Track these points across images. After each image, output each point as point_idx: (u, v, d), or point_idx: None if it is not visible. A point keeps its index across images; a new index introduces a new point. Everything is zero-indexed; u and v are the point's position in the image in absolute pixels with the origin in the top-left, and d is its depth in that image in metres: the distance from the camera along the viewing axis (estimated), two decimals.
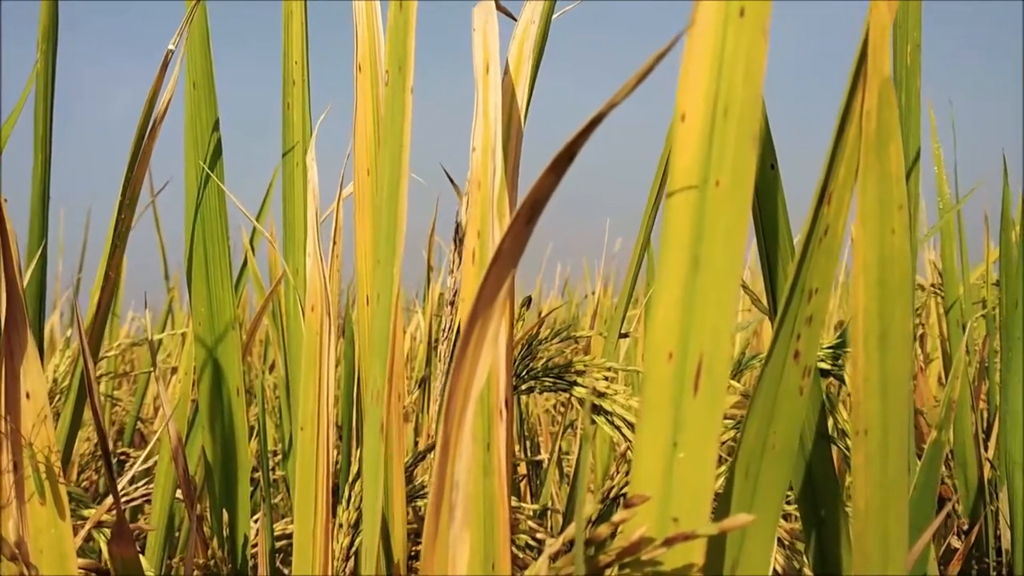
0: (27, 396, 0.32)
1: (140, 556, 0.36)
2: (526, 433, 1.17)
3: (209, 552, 0.51)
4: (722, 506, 0.30)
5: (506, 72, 0.41)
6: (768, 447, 0.30)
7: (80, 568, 0.34)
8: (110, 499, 0.36)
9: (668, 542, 0.24)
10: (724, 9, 0.25)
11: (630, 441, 0.47)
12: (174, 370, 1.16)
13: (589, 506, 0.43)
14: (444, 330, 0.64)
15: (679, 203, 0.25)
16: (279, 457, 0.99)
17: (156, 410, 1.38)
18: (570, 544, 0.28)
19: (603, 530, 0.25)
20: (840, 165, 0.29)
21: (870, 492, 0.29)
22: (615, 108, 0.23)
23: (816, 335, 0.30)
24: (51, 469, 0.32)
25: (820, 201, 0.29)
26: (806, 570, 0.47)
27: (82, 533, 0.37)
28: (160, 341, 1.22)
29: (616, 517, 0.25)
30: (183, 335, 1.22)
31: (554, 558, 0.27)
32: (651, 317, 0.26)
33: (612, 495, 0.47)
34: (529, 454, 1.12)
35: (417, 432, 0.98)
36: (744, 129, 0.25)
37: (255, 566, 0.61)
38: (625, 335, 0.53)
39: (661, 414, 0.26)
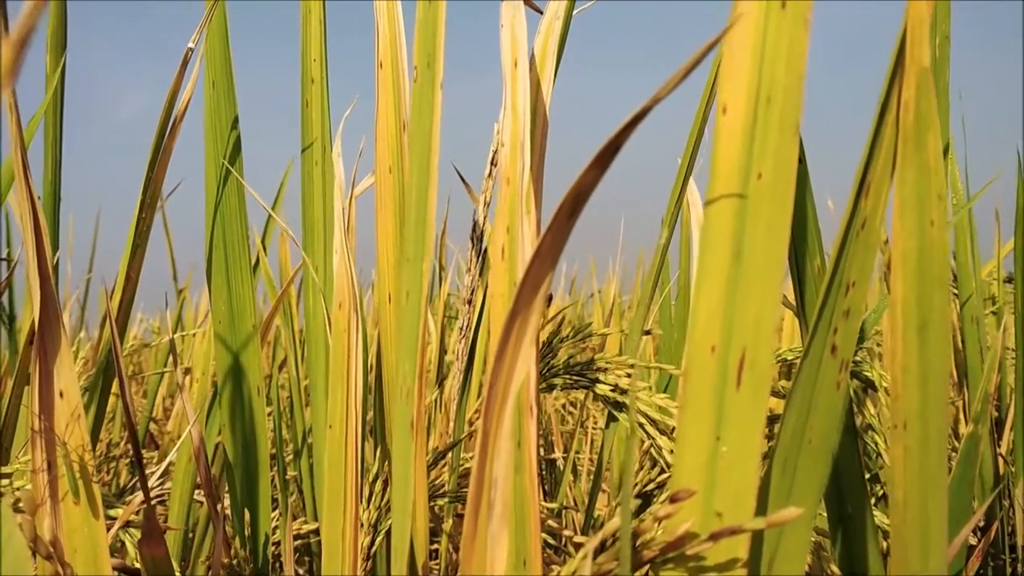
0: (60, 395, 0.32)
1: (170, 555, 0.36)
2: (539, 431, 1.17)
3: (232, 551, 0.51)
4: (759, 501, 0.30)
5: (531, 67, 0.41)
6: (805, 442, 0.30)
7: (112, 567, 0.34)
8: (138, 498, 0.36)
9: (714, 537, 0.24)
10: (766, 1, 0.25)
11: (653, 439, 0.46)
12: (187, 371, 1.16)
13: (631, 501, 0.43)
14: (461, 328, 0.64)
15: (721, 195, 0.25)
16: (290, 457, 0.99)
17: (166, 411, 1.38)
18: (606, 540, 0.28)
19: (647, 525, 0.25)
20: (879, 156, 0.29)
21: (909, 485, 0.29)
22: (659, 102, 0.23)
23: (854, 329, 0.30)
24: (84, 468, 0.32)
25: (859, 193, 0.29)
26: (832, 567, 0.46)
27: (112, 532, 0.37)
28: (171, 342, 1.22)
29: (661, 512, 0.25)
30: (194, 335, 1.22)
31: (595, 554, 0.27)
32: (694, 310, 0.26)
33: (636, 492, 0.47)
34: (542, 452, 1.12)
35: (429, 431, 0.98)
36: (786, 120, 0.25)
37: (275, 565, 0.60)
38: (648, 332, 0.53)
39: (704, 408, 0.26)
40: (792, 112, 0.25)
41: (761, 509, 0.29)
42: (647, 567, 0.27)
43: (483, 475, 0.26)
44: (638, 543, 0.26)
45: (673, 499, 0.25)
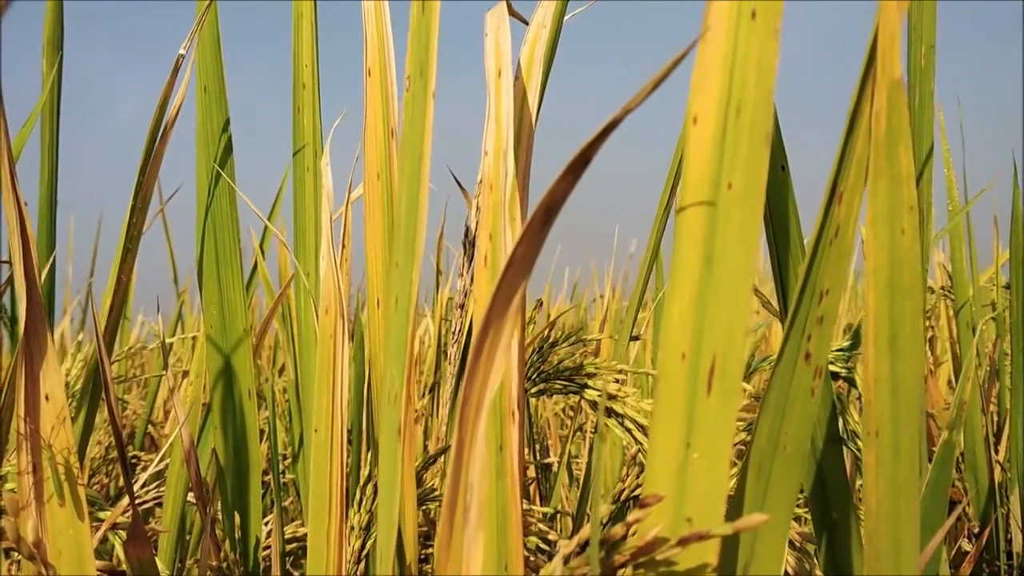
0: (46, 398, 0.32)
1: (155, 557, 0.36)
2: (535, 436, 1.17)
3: (222, 554, 0.51)
4: (734, 507, 0.30)
5: (517, 76, 0.41)
6: (780, 448, 0.30)
7: (97, 570, 0.34)
8: (125, 501, 0.37)
9: (682, 542, 0.25)
10: (736, 11, 0.25)
11: (641, 444, 0.47)
12: (185, 373, 1.16)
13: (603, 507, 0.43)
14: (454, 333, 0.64)
15: (692, 205, 0.25)
16: (288, 460, 0.99)
17: (166, 414, 1.38)
18: (584, 545, 0.29)
19: (617, 530, 0.26)
20: (850, 166, 0.29)
21: (881, 492, 0.30)
22: (630, 113, 0.23)
23: (827, 336, 0.30)
24: (70, 471, 0.32)
25: (830, 202, 0.29)
26: (817, 572, 0.47)
27: (99, 535, 0.38)
28: (171, 345, 1.23)
29: (630, 517, 0.25)
30: (193, 339, 1.22)
31: (568, 559, 0.27)
32: (665, 318, 0.26)
33: (623, 497, 0.47)
34: (538, 457, 1.12)
35: (426, 436, 0.98)
36: (756, 130, 0.25)
37: (267, 568, 0.61)
38: (636, 338, 0.53)
39: (675, 414, 0.26)
40: (762, 122, 0.25)
41: (736, 515, 0.30)
42: (624, 570, 0.27)
43: (458, 479, 0.27)
44: (610, 548, 0.26)
45: (642, 504, 0.25)
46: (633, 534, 0.27)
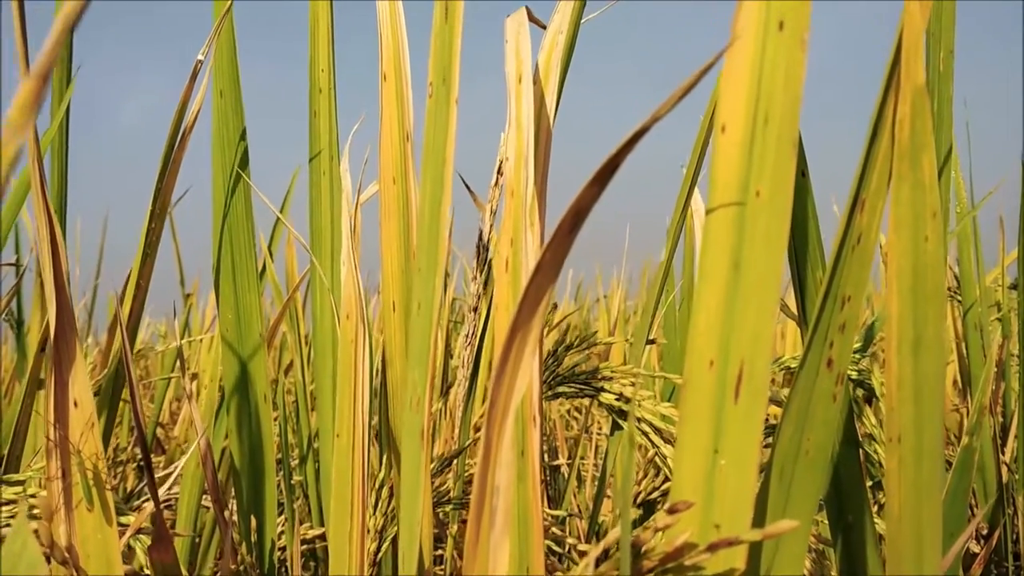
0: (75, 404, 0.32)
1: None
2: (543, 438, 1.17)
3: (239, 557, 0.51)
4: (757, 511, 0.30)
5: (535, 82, 0.41)
6: (802, 453, 0.31)
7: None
8: (150, 506, 0.37)
9: (712, 547, 0.25)
10: (764, 22, 0.25)
11: (658, 447, 0.47)
12: (193, 376, 1.16)
13: (631, 511, 0.43)
14: (467, 336, 0.64)
15: (720, 212, 0.26)
16: (296, 461, 0.99)
17: (172, 416, 1.39)
18: (609, 549, 0.29)
19: (645, 535, 0.26)
20: (872, 173, 0.29)
21: (904, 496, 0.30)
22: (658, 120, 0.24)
23: (849, 342, 0.30)
24: (98, 476, 0.32)
25: (853, 209, 0.29)
26: (832, 573, 0.47)
27: (124, 539, 0.38)
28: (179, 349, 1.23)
29: (659, 523, 0.25)
30: (200, 341, 1.23)
31: (597, 562, 0.28)
32: (692, 324, 0.26)
33: (640, 501, 0.47)
34: (546, 459, 1.12)
35: (433, 439, 0.98)
36: (784, 139, 0.25)
37: (280, 570, 0.61)
38: (652, 341, 0.53)
39: (702, 421, 0.26)
40: (789, 131, 0.26)
41: (759, 519, 0.30)
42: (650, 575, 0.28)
43: (485, 484, 0.27)
44: (638, 553, 0.26)
45: (671, 510, 0.25)
46: (658, 538, 0.27)
